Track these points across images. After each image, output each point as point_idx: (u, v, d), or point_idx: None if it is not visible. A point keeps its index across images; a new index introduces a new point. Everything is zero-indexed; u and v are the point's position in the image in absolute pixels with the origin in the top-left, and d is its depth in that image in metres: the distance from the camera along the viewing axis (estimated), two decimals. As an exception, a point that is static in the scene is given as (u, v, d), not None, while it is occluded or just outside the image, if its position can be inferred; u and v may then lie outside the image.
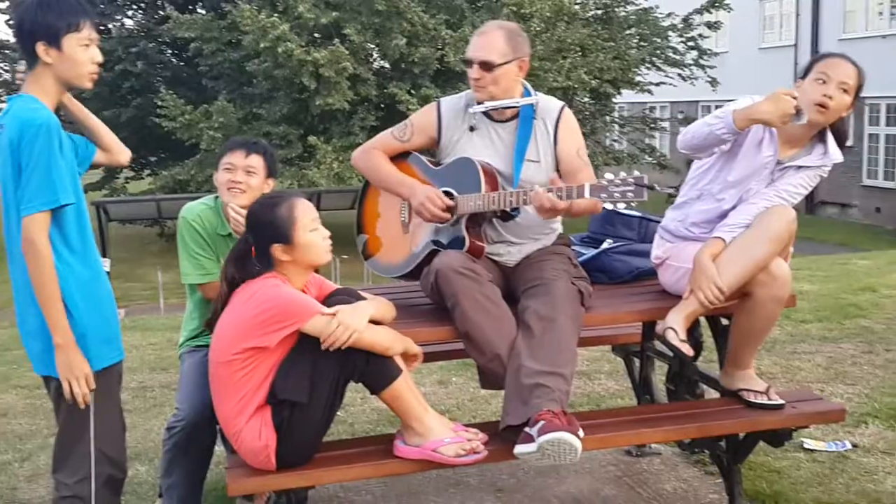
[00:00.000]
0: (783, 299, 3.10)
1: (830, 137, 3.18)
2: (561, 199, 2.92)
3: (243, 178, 3.28)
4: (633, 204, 2.83)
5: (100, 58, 2.68)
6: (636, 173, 2.84)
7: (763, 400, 3.19)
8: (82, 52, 2.61)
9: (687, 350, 3.05)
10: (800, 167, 3.16)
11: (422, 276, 3.20)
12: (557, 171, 3.22)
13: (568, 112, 3.30)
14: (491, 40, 3.16)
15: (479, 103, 3.22)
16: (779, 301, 3.08)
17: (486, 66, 3.14)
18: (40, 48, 2.56)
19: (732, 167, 3.18)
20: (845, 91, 3.06)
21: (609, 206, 2.85)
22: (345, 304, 2.74)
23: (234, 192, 3.28)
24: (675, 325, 3.05)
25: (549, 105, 3.28)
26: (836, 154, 3.17)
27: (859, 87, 3.10)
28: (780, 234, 3.02)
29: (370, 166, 3.36)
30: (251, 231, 2.82)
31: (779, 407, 3.17)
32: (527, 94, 3.26)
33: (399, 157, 3.35)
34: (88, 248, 2.64)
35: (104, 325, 2.65)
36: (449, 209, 3.14)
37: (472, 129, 3.26)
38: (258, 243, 2.77)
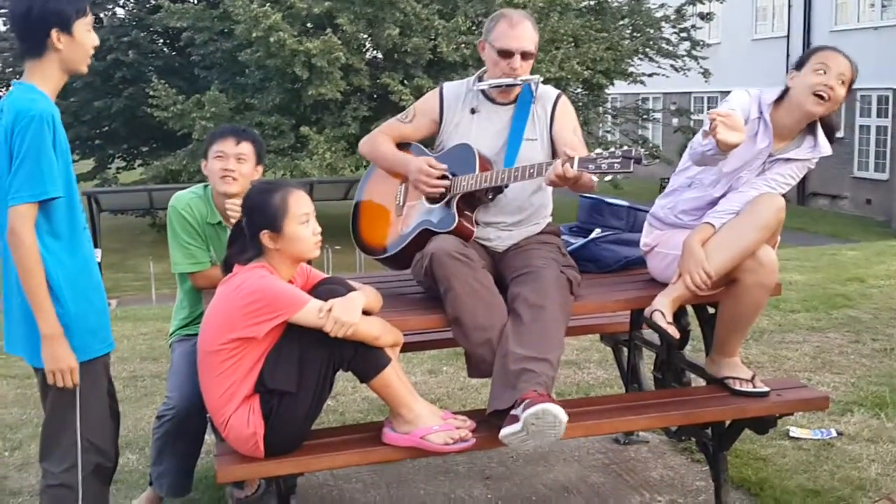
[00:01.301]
0: (770, 286, 3.13)
1: (820, 130, 3.20)
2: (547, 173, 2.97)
3: (235, 165, 3.29)
4: (619, 176, 2.86)
5: (97, 41, 2.70)
6: (625, 147, 2.89)
7: (748, 388, 3.22)
8: (87, 37, 2.63)
9: (673, 332, 3.08)
10: (789, 159, 3.19)
11: (414, 261, 3.23)
12: (554, 151, 3.28)
13: (564, 98, 3.40)
14: (527, 30, 3.26)
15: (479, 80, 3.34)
16: (765, 288, 3.11)
17: (527, 56, 3.26)
18: (54, 35, 2.55)
19: (727, 159, 3.19)
20: (843, 83, 3.09)
21: (596, 179, 2.91)
22: (335, 294, 2.75)
23: (227, 180, 3.29)
24: (662, 308, 3.09)
25: (546, 91, 3.38)
26: (825, 147, 3.20)
27: (852, 81, 3.13)
28: (768, 221, 3.05)
29: (373, 149, 3.45)
30: (245, 215, 2.83)
31: (763, 394, 3.20)
32: None
33: (401, 148, 3.42)
34: (78, 238, 2.64)
35: (91, 317, 2.65)
36: (443, 185, 3.21)
37: (473, 111, 3.35)
38: (249, 227, 2.79)
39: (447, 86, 3.46)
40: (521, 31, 3.24)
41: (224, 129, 3.40)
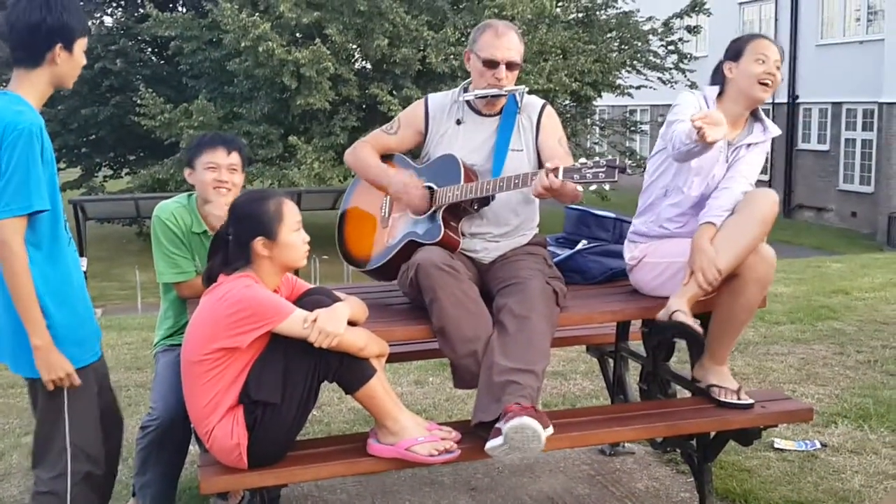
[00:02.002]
0: (767, 282, 3.17)
1: (763, 114, 3.39)
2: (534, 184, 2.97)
3: (228, 176, 3.29)
4: (605, 186, 2.87)
5: (85, 60, 2.74)
6: (609, 156, 2.90)
7: (733, 399, 3.23)
8: (82, 56, 2.68)
9: (698, 327, 3.08)
10: (749, 145, 3.32)
11: (400, 272, 3.23)
12: (539, 161, 3.29)
13: (549, 107, 3.41)
14: (512, 41, 3.27)
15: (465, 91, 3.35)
16: (762, 284, 3.15)
17: (512, 67, 3.26)
18: (57, 50, 2.59)
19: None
20: (778, 68, 3.28)
21: (581, 189, 2.90)
22: (320, 304, 2.75)
23: (221, 191, 3.28)
24: (680, 308, 3.10)
25: (532, 101, 3.39)
26: (774, 128, 3.39)
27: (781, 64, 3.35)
28: (767, 215, 3.13)
29: (357, 159, 3.44)
30: (234, 223, 2.80)
31: (748, 407, 3.21)
32: None
33: (385, 159, 3.42)
34: (60, 249, 2.64)
35: (75, 327, 2.66)
36: (428, 200, 3.21)
37: (458, 122, 3.35)
38: (239, 236, 2.77)
39: (432, 97, 3.46)
40: (507, 42, 3.25)
41: (212, 139, 3.37)
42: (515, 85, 3.32)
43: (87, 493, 2.75)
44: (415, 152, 3.45)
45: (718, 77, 3.36)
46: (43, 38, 2.58)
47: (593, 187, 2.88)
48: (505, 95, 3.30)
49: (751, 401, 3.23)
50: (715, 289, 3.14)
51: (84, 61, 2.70)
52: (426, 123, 3.39)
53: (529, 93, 3.40)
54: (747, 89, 3.26)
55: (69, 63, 2.64)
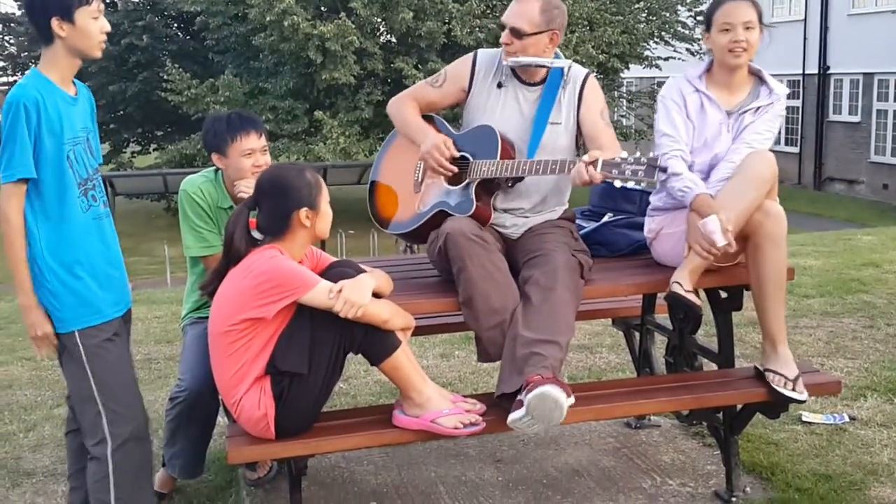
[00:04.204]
0: (780, 237, 3.09)
1: (767, 75, 3.33)
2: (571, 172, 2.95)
3: (263, 158, 3.30)
4: (642, 184, 2.83)
5: (108, 27, 2.78)
6: (651, 154, 2.85)
7: (787, 389, 3.07)
8: (93, 24, 2.71)
9: (694, 300, 3.08)
10: (757, 109, 3.27)
11: (429, 241, 3.23)
12: (579, 133, 3.28)
13: (593, 78, 3.38)
14: (526, 9, 3.22)
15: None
16: (777, 240, 3.08)
17: (517, 33, 3.22)
18: (55, 23, 2.65)
19: (695, 136, 3.30)
20: (750, 28, 3.21)
21: (618, 184, 2.85)
22: (345, 276, 2.76)
23: (257, 174, 3.29)
24: (679, 280, 3.11)
25: (576, 71, 3.35)
26: (779, 88, 3.32)
27: (760, 15, 3.26)
28: (761, 174, 3.08)
29: (398, 111, 3.44)
30: (271, 197, 2.79)
31: (801, 402, 3.10)
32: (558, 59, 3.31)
33: (425, 120, 3.40)
34: (70, 217, 2.73)
35: (78, 288, 2.75)
36: (460, 169, 3.20)
37: (500, 85, 3.33)
38: (278, 208, 2.77)
39: (482, 52, 3.44)
40: (519, 8, 3.23)
41: (242, 123, 3.30)
42: (560, 53, 3.29)
43: (129, 457, 2.82)
44: (456, 113, 3.44)
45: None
46: (40, 14, 2.66)
47: (630, 184, 2.84)
48: (544, 67, 3.26)
49: (805, 395, 3.08)
50: (724, 257, 3.09)
51: (101, 27, 2.72)
52: (471, 79, 3.36)
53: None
54: (722, 60, 3.26)
55: (76, 34, 2.67)
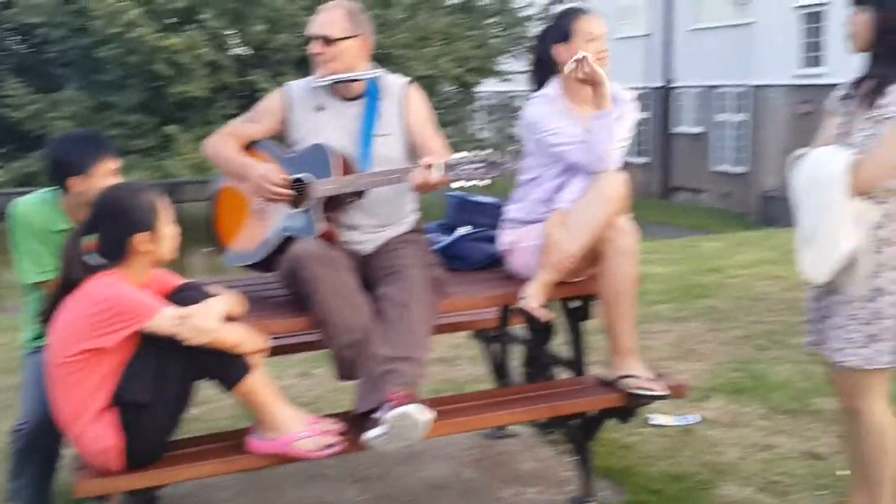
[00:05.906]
0: (632, 252, 3.20)
1: (614, 84, 3.39)
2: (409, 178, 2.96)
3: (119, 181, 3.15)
4: (481, 182, 2.87)
5: None
6: (488, 151, 2.90)
7: (645, 388, 3.15)
8: None
9: (542, 314, 3.16)
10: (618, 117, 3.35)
11: (279, 265, 3.16)
12: (410, 143, 3.27)
13: (414, 86, 3.36)
14: (331, 16, 3.20)
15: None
16: (627, 255, 3.18)
17: (327, 41, 3.18)
18: None
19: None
20: (604, 40, 3.34)
21: (456, 185, 2.88)
22: (192, 300, 2.66)
23: None
24: (530, 294, 3.19)
25: (395, 81, 3.34)
26: (622, 93, 3.39)
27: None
28: (613, 192, 3.19)
29: (215, 152, 3.34)
30: (106, 220, 2.68)
31: (663, 397, 3.20)
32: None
33: (251, 147, 3.32)
34: None
35: None
36: (299, 192, 3.13)
37: (319, 108, 3.28)
38: (114, 233, 2.65)
39: (291, 83, 3.39)
40: (323, 17, 3.22)
41: (101, 145, 3.15)
42: (371, 70, 3.27)
43: None
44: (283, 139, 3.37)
45: (548, 65, 3.40)
46: None
47: (471, 184, 2.87)
48: (358, 80, 3.24)
49: (666, 391, 3.18)
50: (576, 272, 3.20)
51: None
52: (286, 111, 3.31)
53: (415, 80, 3.36)
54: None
55: None
